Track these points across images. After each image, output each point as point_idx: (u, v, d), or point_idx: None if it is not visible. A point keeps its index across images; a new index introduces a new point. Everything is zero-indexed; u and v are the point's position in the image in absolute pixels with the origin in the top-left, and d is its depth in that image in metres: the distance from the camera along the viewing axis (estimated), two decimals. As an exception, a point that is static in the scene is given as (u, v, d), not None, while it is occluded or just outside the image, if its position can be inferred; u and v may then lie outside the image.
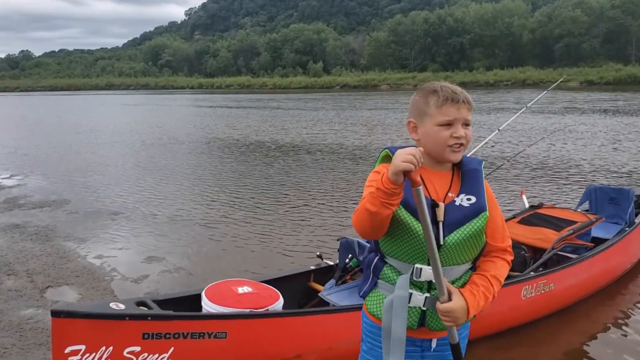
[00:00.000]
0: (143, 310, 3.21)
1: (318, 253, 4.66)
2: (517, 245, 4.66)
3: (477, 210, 1.95)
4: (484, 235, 1.99)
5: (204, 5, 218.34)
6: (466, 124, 1.97)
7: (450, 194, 1.98)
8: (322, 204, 8.63)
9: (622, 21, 73.72)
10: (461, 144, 1.96)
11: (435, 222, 1.92)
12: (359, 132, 19.42)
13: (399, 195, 1.80)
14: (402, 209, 1.91)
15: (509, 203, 8.01)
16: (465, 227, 1.93)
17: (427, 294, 1.97)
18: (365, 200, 1.84)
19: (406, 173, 1.71)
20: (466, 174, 2.02)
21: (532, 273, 4.32)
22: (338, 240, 4.51)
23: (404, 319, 1.94)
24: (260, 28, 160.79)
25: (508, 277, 4.31)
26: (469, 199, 1.96)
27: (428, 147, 1.98)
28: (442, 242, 1.91)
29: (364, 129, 20.21)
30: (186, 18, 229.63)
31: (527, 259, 4.57)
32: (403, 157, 1.70)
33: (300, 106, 37.00)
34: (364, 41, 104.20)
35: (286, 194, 9.41)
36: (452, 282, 1.98)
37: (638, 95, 36.76)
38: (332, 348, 3.48)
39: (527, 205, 5.65)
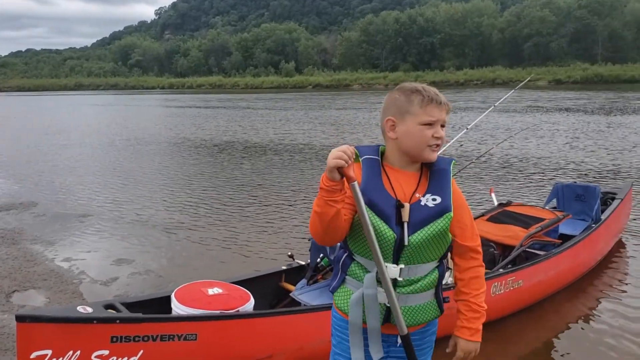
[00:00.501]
0: (111, 313, 3.16)
1: (289, 253, 4.66)
2: (486, 242, 4.72)
3: (441, 210, 1.98)
4: (449, 235, 2.03)
5: (174, 4, 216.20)
6: (443, 126, 2.02)
7: (416, 194, 2.00)
8: (293, 203, 8.62)
9: (588, 21, 75.26)
10: (439, 144, 2.01)
11: (400, 222, 1.94)
12: (327, 131, 19.46)
13: (340, 192, 1.86)
14: (368, 209, 1.93)
15: (479, 201, 8.12)
16: (429, 227, 1.96)
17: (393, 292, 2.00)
18: (314, 205, 1.91)
19: (339, 169, 1.80)
20: (434, 174, 2.04)
21: (500, 270, 4.38)
22: (309, 240, 4.52)
23: (377, 314, 1.98)
24: (232, 27, 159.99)
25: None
26: (434, 199, 1.99)
27: (407, 146, 2.00)
28: (406, 242, 1.94)
29: (332, 129, 20.26)
30: (156, 17, 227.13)
31: (496, 257, 4.63)
32: (334, 154, 1.80)
33: (270, 106, 36.88)
34: (335, 41, 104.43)
35: (256, 195, 9.37)
36: (418, 280, 2.01)
37: (602, 94, 37.58)
38: (304, 348, 3.48)
39: (496, 203, 5.72)
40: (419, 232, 1.95)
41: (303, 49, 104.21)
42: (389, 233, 1.93)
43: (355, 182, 1.83)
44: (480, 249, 2.14)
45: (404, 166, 2.04)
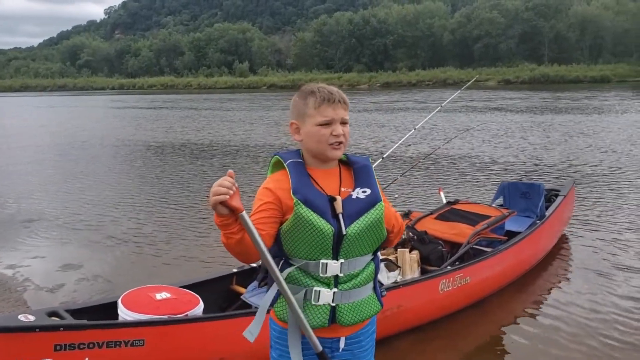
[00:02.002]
0: (55, 321, 3.09)
1: (240, 255, 4.62)
2: (434, 240, 4.81)
3: (372, 200, 2.05)
4: (384, 227, 2.08)
5: (124, 3, 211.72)
6: (344, 123, 2.06)
7: (343, 189, 2.06)
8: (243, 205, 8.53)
9: (535, 23, 77.47)
10: (340, 142, 2.04)
11: (335, 215, 1.98)
12: (272, 131, 19.45)
13: (235, 222, 1.84)
14: (303, 207, 1.95)
15: (428, 200, 8.25)
16: (364, 217, 2.01)
17: (335, 289, 2.02)
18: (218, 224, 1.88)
19: (225, 204, 1.76)
20: (358, 171, 2.11)
21: (448, 267, 4.48)
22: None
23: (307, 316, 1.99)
24: (184, 27, 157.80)
25: (425, 272, 4.50)
26: (364, 192, 2.06)
27: (311, 147, 2.05)
28: (344, 232, 1.98)
29: (276, 129, 20.27)
30: (106, 17, 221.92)
31: (444, 254, 4.72)
32: (213, 191, 1.76)
33: (217, 107, 36.48)
34: (289, 41, 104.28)
35: (203, 197, 9.25)
36: (357, 274, 2.05)
37: (547, 94, 38.77)
38: (256, 350, 3.45)
39: (444, 202, 5.84)
40: (355, 222, 2.00)
41: (257, 49, 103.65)
42: (327, 227, 1.95)
43: (244, 213, 1.80)
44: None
45: (320, 165, 2.09)
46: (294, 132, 2.10)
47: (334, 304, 2.02)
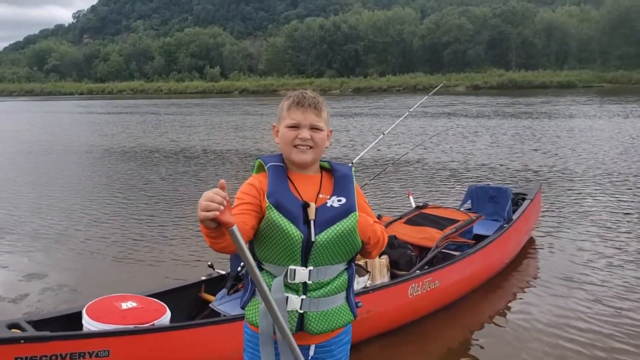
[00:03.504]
0: (15, 333, 3.01)
1: (209, 263, 4.57)
2: (403, 244, 4.84)
3: (346, 210, 2.03)
4: (357, 237, 2.05)
5: (93, 7, 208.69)
6: (315, 128, 2.05)
7: (321, 196, 2.05)
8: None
9: (503, 29, 78.89)
10: (309, 147, 2.03)
11: (307, 221, 1.98)
12: (243, 137, 19.38)
13: (223, 235, 1.77)
14: (274, 211, 1.95)
15: (398, 204, 8.29)
16: (335, 226, 2.00)
17: (304, 296, 2.01)
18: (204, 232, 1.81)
19: (214, 218, 1.67)
20: (338, 179, 2.11)
21: (418, 271, 4.50)
22: (229, 248, 4.45)
23: (285, 318, 1.96)
24: (154, 32, 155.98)
25: (395, 277, 4.51)
26: (339, 200, 2.05)
27: (282, 149, 2.09)
28: (313, 240, 1.97)
29: (248, 134, 20.22)
30: (74, 21, 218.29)
31: (413, 258, 4.74)
32: (203, 205, 1.65)
33: (186, 112, 36.23)
34: (261, 46, 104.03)
35: (173, 204, 9.14)
36: (327, 283, 2.03)
37: (515, 99, 39.43)
38: (225, 358, 3.43)
39: (413, 206, 5.87)
40: (325, 231, 1.98)
41: (228, 53, 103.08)
42: (295, 233, 1.95)
43: (235, 227, 1.70)
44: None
45: (299, 170, 2.09)
46: (275, 134, 2.14)
47: (302, 311, 2.00)
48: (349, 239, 2.03)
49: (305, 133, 2.03)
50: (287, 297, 1.99)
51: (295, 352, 1.94)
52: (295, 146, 2.03)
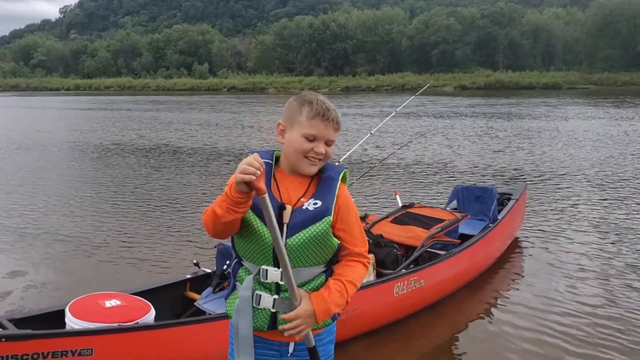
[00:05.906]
0: (-3, 331, 2.97)
1: (195, 261, 4.56)
2: (389, 243, 4.85)
3: (320, 213, 2.00)
4: (332, 240, 2.03)
5: (80, 3, 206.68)
6: (329, 143, 2.04)
7: (302, 199, 2.03)
8: (196, 209, 8.42)
9: (490, 30, 79.34)
10: (319, 159, 2.02)
11: (280, 224, 1.96)
12: (229, 134, 19.30)
13: (246, 204, 1.85)
14: (250, 212, 1.95)
15: (385, 203, 8.31)
16: (307, 229, 1.97)
17: (276, 296, 2.01)
18: (216, 203, 1.89)
19: (249, 182, 1.75)
20: (322, 181, 2.07)
21: (403, 270, 4.51)
22: (215, 247, 4.44)
23: (249, 318, 1.99)
24: (142, 28, 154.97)
25: (380, 275, 4.52)
26: (315, 203, 2.01)
27: (288, 153, 2.04)
28: (284, 243, 1.96)
29: (237, 131, 20.12)
30: (61, 16, 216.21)
31: (399, 257, 4.75)
32: (241, 169, 1.75)
33: (174, 108, 36.08)
34: (250, 44, 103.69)
35: (158, 202, 9.09)
36: (303, 285, 2.02)
37: (502, 100, 39.68)
38: (209, 357, 3.42)
39: (400, 205, 5.89)
40: (297, 234, 1.97)
41: (217, 51, 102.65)
42: (267, 234, 1.94)
43: (266, 195, 1.78)
44: (367, 254, 2.14)
45: (292, 172, 2.07)
46: (279, 133, 2.09)
47: (274, 310, 2.01)
48: (323, 243, 2.00)
49: (321, 148, 2.00)
50: (260, 295, 2.00)
51: (248, 353, 1.99)
52: (307, 157, 2.00)
